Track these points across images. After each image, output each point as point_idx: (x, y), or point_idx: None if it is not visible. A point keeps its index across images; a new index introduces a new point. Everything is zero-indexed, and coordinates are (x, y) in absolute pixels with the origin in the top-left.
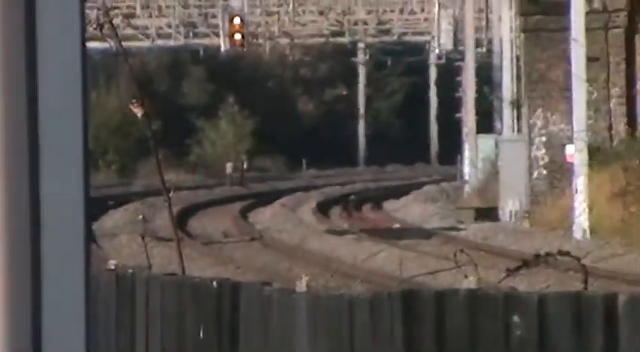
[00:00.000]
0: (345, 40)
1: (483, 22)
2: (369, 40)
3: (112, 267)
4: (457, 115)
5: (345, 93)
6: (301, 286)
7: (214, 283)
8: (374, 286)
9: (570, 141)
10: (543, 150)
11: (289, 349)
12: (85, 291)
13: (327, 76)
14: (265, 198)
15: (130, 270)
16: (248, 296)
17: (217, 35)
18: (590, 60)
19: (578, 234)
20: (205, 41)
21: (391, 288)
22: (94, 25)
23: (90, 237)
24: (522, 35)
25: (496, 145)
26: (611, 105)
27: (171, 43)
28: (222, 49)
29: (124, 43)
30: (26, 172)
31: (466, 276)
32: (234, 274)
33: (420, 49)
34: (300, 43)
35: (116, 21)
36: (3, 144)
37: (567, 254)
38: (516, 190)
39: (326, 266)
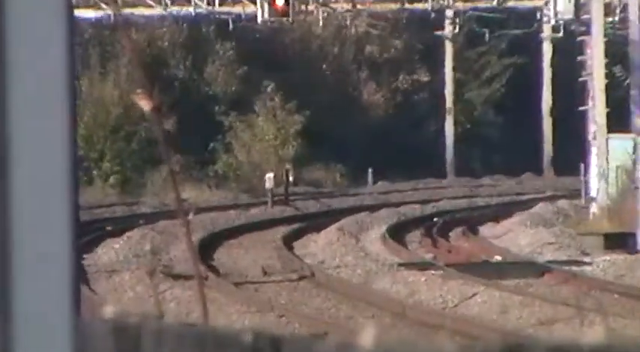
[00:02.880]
0: (426, 5)
1: None
2: (460, 5)
3: (110, 316)
4: (580, 109)
5: (426, 79)
6: (367, 339)
7: (248, 336)
8: (467, 341)
9: None
10: None
11: None
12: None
13: (402, 55)
14: (318, 222)
15: (135, 320)
16: None
17: (253, 0)
18: None
19: None
20: (237, 9)
21: (490, 344)
22: None
23: (79, 277)
24: None
25: (634, 149)
26: None
27: (191, 10)
28: (260, 18)
29: (126, 10)
30: None
31: (592, 327)
32: (276, 325)
33: (530, 19)
34: (365, 10)
35: None
36: None
37: None
38: None
39: (401, 313)
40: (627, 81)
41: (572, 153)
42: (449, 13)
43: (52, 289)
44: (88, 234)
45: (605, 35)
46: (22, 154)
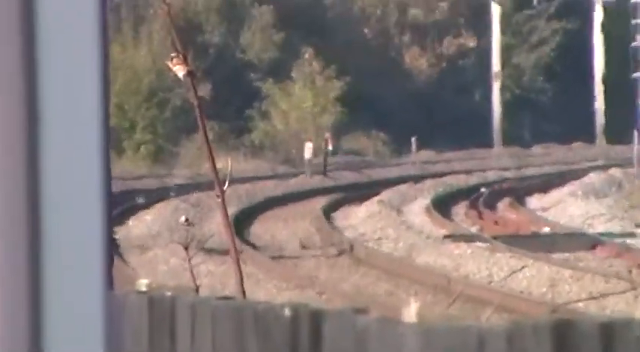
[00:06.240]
0: None
1: None
2: None
3: (144, 288)
4: (633, 75)
5: (473, 43)
6: (410, 315)
7: (287, 310)
8: (514, 316)
9: None
10: None
11: None
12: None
13: (447, 18)
14: (358, 193)
15: (169, 293)
16: (335, 329)
17: None
18: None
19: None
20: None
21: (538, 318)
22: None
23: (110, 249)
24: None
25: None
26: None
27: None
28: None
29: None
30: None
31: None
32: (315, 301)
33: None
34: None
35: None
36: None
37: None
38: None
39: (445, 288)
40: None
41: (624, 121)
42: None
43: (84, 262)
44: (119, 206)
45: None
46: (51, 124)
